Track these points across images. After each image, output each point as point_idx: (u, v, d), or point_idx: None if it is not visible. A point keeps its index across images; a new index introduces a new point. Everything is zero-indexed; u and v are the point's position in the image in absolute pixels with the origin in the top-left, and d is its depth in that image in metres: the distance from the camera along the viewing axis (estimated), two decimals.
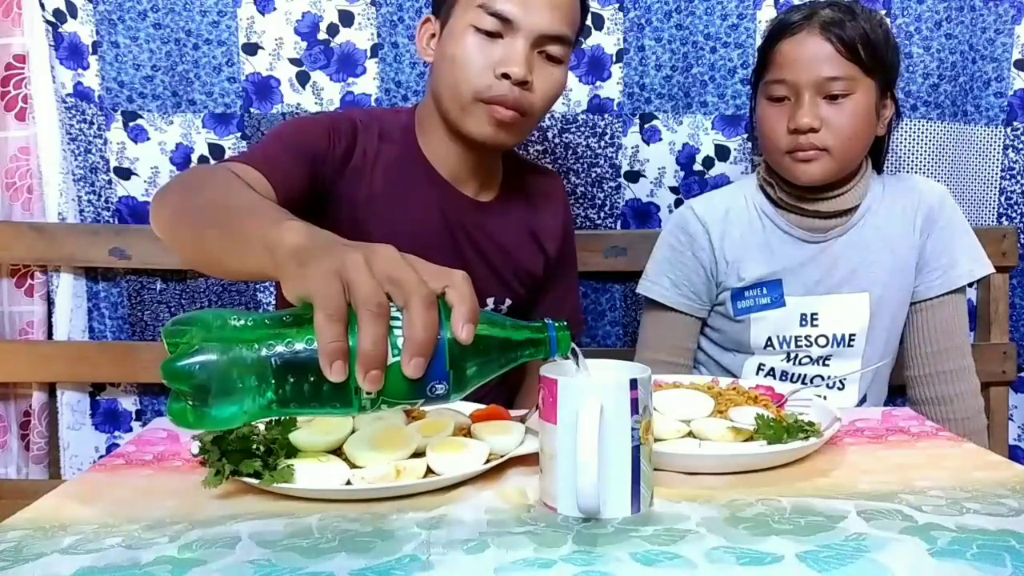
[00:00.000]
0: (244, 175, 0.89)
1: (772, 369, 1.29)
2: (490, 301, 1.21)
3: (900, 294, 1.27)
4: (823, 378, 1.26)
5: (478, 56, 1.03)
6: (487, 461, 0.78)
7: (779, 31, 1.21)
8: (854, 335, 1.25)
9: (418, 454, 0.79)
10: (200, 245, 0.77)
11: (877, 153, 1.29)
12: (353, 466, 0.77)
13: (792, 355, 1.27)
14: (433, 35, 1.12)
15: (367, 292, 0.55)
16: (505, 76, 1.02)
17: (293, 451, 0.79)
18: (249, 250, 0.67)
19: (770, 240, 1.27)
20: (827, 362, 1.27)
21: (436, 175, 1.15)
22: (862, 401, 1.29)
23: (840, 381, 1.26)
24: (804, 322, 1.25)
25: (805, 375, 1.27)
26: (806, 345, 1.26)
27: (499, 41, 1.03)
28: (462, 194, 1.16)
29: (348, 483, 0.74)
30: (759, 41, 1.29)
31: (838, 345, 1.25)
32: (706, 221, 1.29)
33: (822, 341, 1.26)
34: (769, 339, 1.27)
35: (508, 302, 1.22)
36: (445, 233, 1.14)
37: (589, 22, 1.51)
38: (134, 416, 1.60)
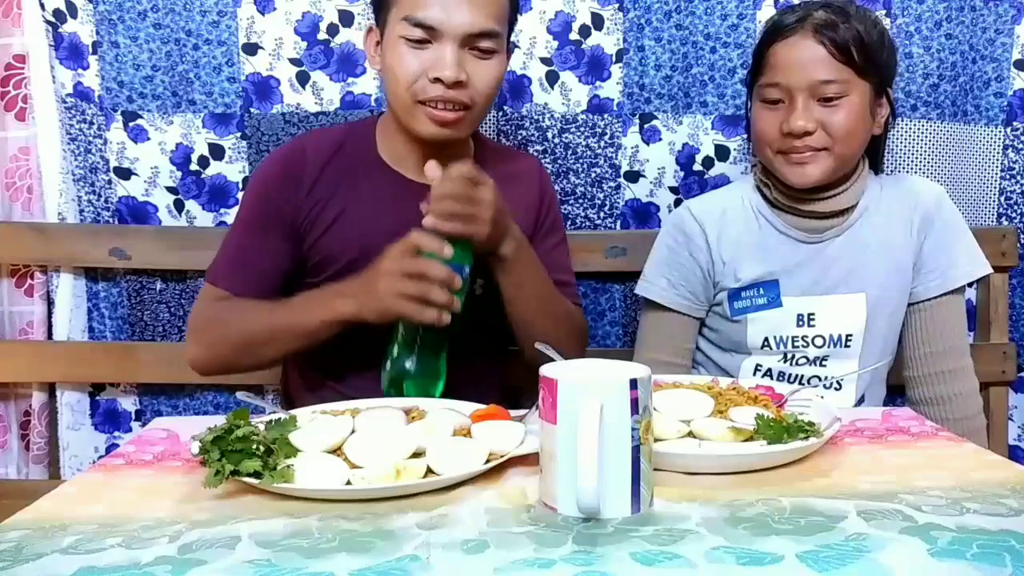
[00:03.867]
0: (235, 299, 1.17)
1: (769, 370, 1.29)
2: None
3: (897, 295, 1.27)
4: (820, 379, 1.26)
5: (411, 64, 1.10)
6: (487, 461, 0.78)
7: (773, 33, 1.20)
8: (851, 336, 1.25)
9: (418, 454, 0.79)
10: (244, 351, 1.14)
11: (875, 153, 1.29)
12: (353, 466, 0.77)
13: (789, 355, 1.27)
14: (378, 43, 1.18)
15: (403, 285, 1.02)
16: (438, 80, 1.09)
17: (293, 451, 0.80)
18: (314, 327, 1.09)
19: (767, 240, 1.27)
20: (824, 363, 1.27)
21: (394, 173, 1.22)
22: (860, 402, 1.29)
23: (837, 382, 1.26)
24: (801, 322, 1.25)
25: (802, 376, 1.27)
26: (803, 345, 1.26)
27: (428, 47, 1.10)
28: (421, 185, 1.16)
29: (348, 483, 0.75)
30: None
31: (835, 346, 1.25)
32: (703, 221, 1.29)
33: (819, 342, 1.25)
34: (766, 339, 1.27)
35: (480, 281, 1.21)
36: (405, 228, 1.14)
37: (588, 21, 1.52)
38: (134, 416, 1.60)
